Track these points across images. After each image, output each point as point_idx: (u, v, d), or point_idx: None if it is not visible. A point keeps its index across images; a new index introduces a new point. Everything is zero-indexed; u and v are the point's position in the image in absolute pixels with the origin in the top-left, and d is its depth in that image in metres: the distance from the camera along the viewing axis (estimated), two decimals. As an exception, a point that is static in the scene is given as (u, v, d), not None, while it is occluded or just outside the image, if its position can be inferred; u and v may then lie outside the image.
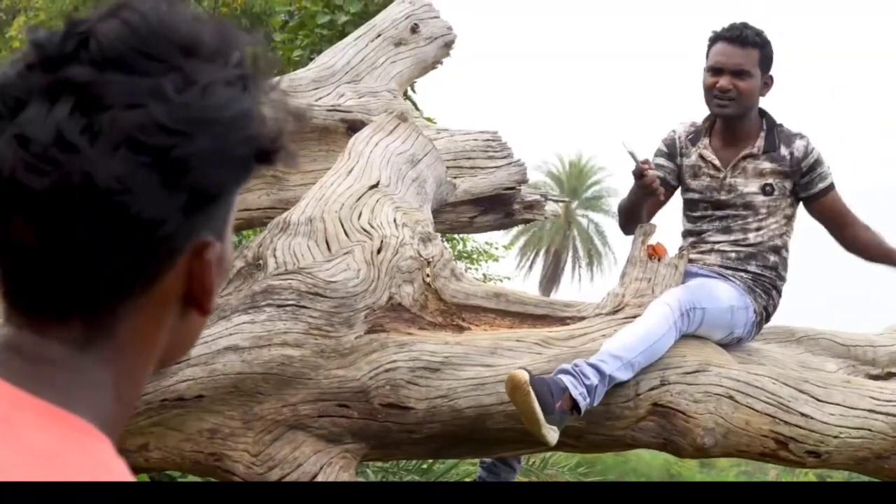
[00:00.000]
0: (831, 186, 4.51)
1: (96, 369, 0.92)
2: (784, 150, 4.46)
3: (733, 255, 4.48)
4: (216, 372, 3.76)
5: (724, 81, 4.39)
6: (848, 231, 4.60)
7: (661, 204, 4.70)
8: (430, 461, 8.06)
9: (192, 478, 5.05)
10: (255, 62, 0.96)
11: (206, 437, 3.83)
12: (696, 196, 4.60)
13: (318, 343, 3.84)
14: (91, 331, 0.91)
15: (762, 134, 4.49)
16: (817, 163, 4.48)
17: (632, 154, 4.38)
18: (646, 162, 4.41)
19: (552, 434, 3.79)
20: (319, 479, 3.77)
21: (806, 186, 4.49)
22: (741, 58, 4.41)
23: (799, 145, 4.47)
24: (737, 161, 4.47)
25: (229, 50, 0.94)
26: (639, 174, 4.37)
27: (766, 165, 4.46)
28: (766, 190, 4.46)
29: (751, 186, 4.47)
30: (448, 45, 5.78)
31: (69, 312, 0.90)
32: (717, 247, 4.51)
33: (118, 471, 0.86)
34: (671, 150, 4.67)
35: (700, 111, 4.63)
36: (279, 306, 3.85)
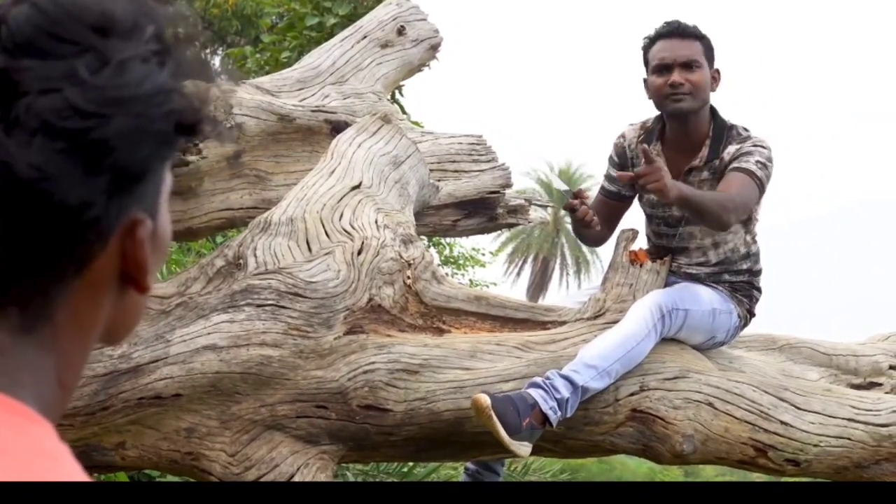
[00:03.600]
0: (738, 169, 4.13)
1: (36, 354, 0.91)
2: (719, 158, 4.22)
3: (702, 275, 4.42)
4: (194, 371, 3.74)
5: (675, 76, 4.19)
6: None
7: (622, 211, 4.62)
8: (411, 464, 8.05)
9: (170, 477, 5.04)
10: (173, 34, 0.95)
11: (184, 436, 3.81)
12: (650, 211, 4.51)
13: (296, 343, 3.83)
14: (27, 317, 0.90)
15: (708, 142, 4.26)
16: (745, 153, 4.17)
17: (563, 192, 4.29)
18: (577, 195, 4.22)
19: (523, 448, 3.79)
20: (296, 479, 3.76)
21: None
22: (687, 49, 4.22)
23: (731, 149, 4.20)
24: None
25: (144, 24, 0.93)
26: (570, 209, 4.19)
27: (706, 176, 4.25)
28: None
29: None
30: (435, 48, 5.78)
31: (4, 299, 0.90)
32: (683, 269, 4.44)
33: (62, 458, 0.85)
34: (622, 161, 4.49)
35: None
36: (258, 306, 3.84)
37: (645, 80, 4.32)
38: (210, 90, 0.96)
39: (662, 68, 4.23)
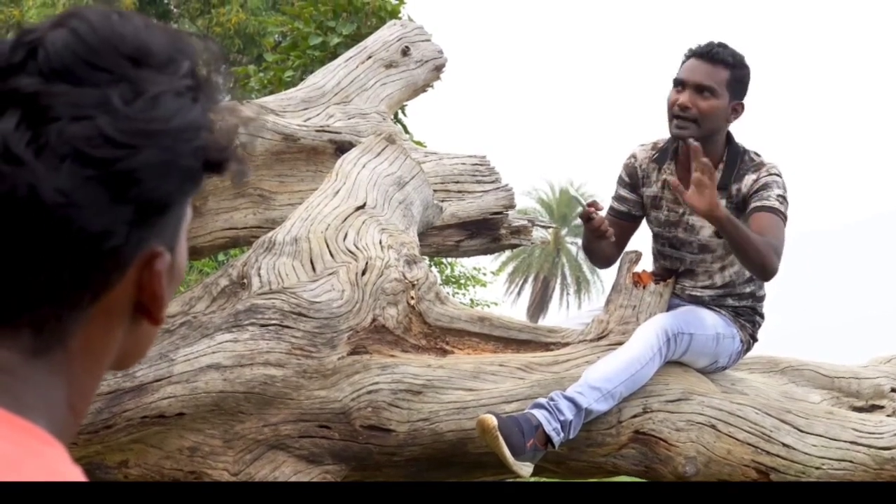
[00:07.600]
0: (764, 208, 4.07)
1: (48, 377, 0.91)
2: (736, 186, 4.17)
3: (706, 297, 4.40)
4: (198, 390, 3.75)
5: (683, 98, 4.10)
6: None
7: (631, 232, 4.58)
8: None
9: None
10: (207, 71, 0.96)
11: (187, 455, 3.81)
12: (656, 230, 4.47)
13: (300, 363, 3.83)
14: (41, 340, 0.91)
15: (721, 166, 4.19)
16: (763, 187, 4.12)
17: (577, 199, 4.28)
18: (592, 204, 4.18)
19: (525, 469, 3.80)
20: (299, 499, 3.76)
21: (749, 209, 4.15)
22: (705, 75, 4.11)
23: (748, 180, 4.14)
24: None
25: (180, 59, 0.94)
26: (586, 218, 4.15)
27: (724, 205, 4.07)
28: (718, 232, 4.15)
29: (707, 228, 4.25)
30: (439, 69, 5.80)
31: (19, 322, 0.90)
32: (687, 291, 4.43)
33: (75, 479, 0.85)
34: (633, 181, 4.46)
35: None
36: (262, 326, 3.85)
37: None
38: (237, 127, 0.97)
39: (678, 84, 4.16)
